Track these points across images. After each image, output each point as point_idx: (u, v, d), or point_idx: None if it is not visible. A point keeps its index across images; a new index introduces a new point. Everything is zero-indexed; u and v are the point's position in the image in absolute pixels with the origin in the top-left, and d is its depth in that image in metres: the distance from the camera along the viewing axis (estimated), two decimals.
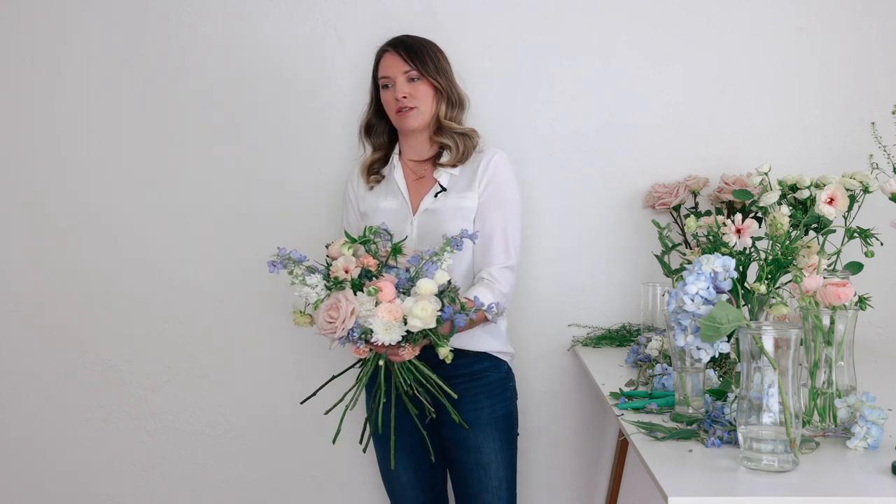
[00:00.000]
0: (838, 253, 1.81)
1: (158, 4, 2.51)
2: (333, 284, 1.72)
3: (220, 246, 2.55)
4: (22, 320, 2.58)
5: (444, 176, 2.06)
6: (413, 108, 2.02)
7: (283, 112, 2.53)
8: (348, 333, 1.71)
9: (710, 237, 1.82)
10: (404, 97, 2.01)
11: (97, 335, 2.57)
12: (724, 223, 1.81)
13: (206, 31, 2.52)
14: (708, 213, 2.37)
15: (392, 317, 1.68)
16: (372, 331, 1.69)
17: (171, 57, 2.52)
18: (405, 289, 1.74)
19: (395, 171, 2.11)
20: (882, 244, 1.88)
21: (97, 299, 2.57)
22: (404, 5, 2.51)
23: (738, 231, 1.78)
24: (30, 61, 2.53)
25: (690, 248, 2.26)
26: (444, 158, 2.07)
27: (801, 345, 1.53)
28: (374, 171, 2.14)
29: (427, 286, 1.71)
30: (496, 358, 2.08)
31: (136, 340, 2.58)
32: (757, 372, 1.35)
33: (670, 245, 1.99)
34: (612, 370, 2.10)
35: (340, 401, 1.92)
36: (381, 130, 2.15)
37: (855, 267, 1.76)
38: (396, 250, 1.80)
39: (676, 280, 1.67)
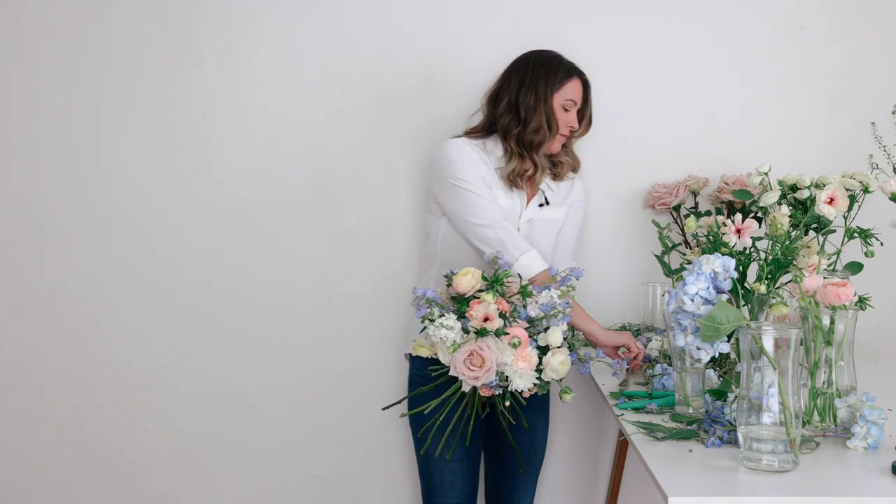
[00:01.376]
0: (838, 253, 1.81)
1: (158, 5, 2.51)
2: (478, 334, 1.73)
3: (220, 246, 2.55)
4: (22, 320, 2.58)
5: (547, 190, 2.22)
6: (568, 139, 2.21)
7: (283, 112, 2.53)
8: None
9: (710, 237, 1.82)
10: (572, 129, 2.18)
11: (97, 335, 2.57)
12: (724, 223, 1.81)
13: (205, 31, 2.52)
14: (708, 213, 2.37)
15: (527, 365, 1.72)
16: (507, 377, 1.72)
17: (170, 57, 2.52)
18: (530, 333, 1.78)
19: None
20: (882, 244, 1.88)
21: (97, 299, 2.56)
22: (404, 5, 2.51)
23: (738, 231, 1.78)
24: (37, 62, 2.53)
25: (690, 248, 2.26)
26: (552, 171, 2.23)
27: (801, 345, 1.53)
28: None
29: (556, 337, 1.75)
30: None
31: (136, 340, 2.58)
32: (757, 372, 1.35)
33: (670, 245, 1.99)
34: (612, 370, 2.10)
35: (420, 409, 1.88)
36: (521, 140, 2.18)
37: (855, 267, 1.77)
38: (526, 294, 1.81)
39: (676, 280, 1.67)
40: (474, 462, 2.21)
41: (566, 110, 2.15)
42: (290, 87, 2.52)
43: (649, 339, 2.08)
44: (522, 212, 2.17)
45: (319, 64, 2.52)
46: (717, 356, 1.50)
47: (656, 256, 2.07)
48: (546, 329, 1.77)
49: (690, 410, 1.62)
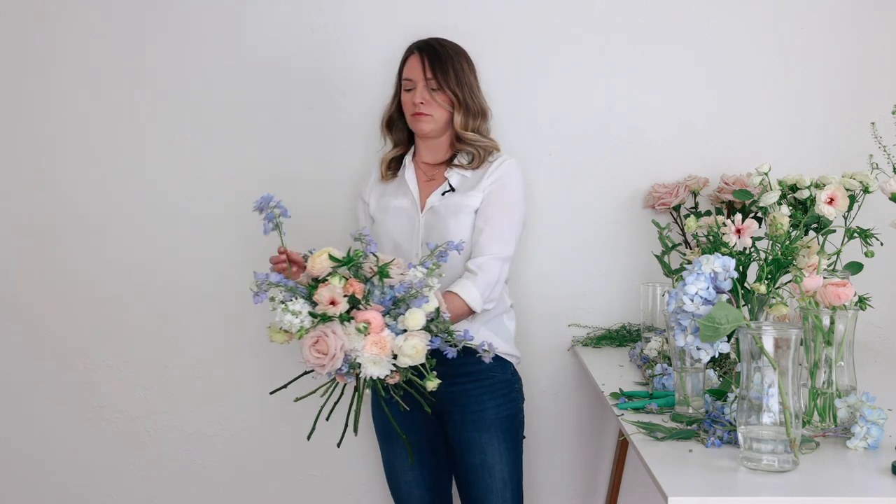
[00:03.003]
0: (838, 253, 1.81)
1: (158, 4, 2.51)
2: (321, 320, 1.64)
3: (220, 246, 2.55)
4: (22, 321, 2.58)
5: (455, 177, 2.09)
6: (427, 115, 2.06)
7: (282, 112, 2.53)
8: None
9: (710, 237, 1.82)
10: (421, 103, 2.05)
11: (97, 335, 2.57)
12: (724, 223, 1.81)
13: (205, 31, 2.52)
14: (708, 213, 2.37)
15: (381, 350, 1.62)
16: (360, 364, 1.63)
17: (170, 57, 2.52)
18: (393, 315, 1.67)
19: (408, 170, 2.13)
20: (882, 244, 1.88)
21: (97, 299, 2.56)
22: (404, 5, 2.51)
23: (738, 231, 1.78)
24: (24, 60, 2.53)
25: (690, 248, 2.26)
26: (459, 160, 2.10)
27: (801, 345, 1.53)
28: (393, 166, 2.17)
29: (416, 319, 1.64)
30: (502, 359, 2.07)
31: (136, 340, 2.58)
32: (757, 372, 1.35)
33: (670, 245, 1.99)
34: (612, 370, 2.10)
35: (312, 392, 1.87)
36: (402, 128, 2.17)
37: (855, 267, 1.76)
38: (384, 274, 1.70)
39: (676, 280, 1.67)
40: (432, 472, 2.15)
41: (407, 90, 2.09)
42: (290, 87, 2.52)
43: (648, 340, 2.09)
44: (423, 205, 2.09)
45: (319, 64, 2.52)
46: (717, 356, 1.50)
47: (656, 256, 2.07)
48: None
49: (690, 410, 1.62)
